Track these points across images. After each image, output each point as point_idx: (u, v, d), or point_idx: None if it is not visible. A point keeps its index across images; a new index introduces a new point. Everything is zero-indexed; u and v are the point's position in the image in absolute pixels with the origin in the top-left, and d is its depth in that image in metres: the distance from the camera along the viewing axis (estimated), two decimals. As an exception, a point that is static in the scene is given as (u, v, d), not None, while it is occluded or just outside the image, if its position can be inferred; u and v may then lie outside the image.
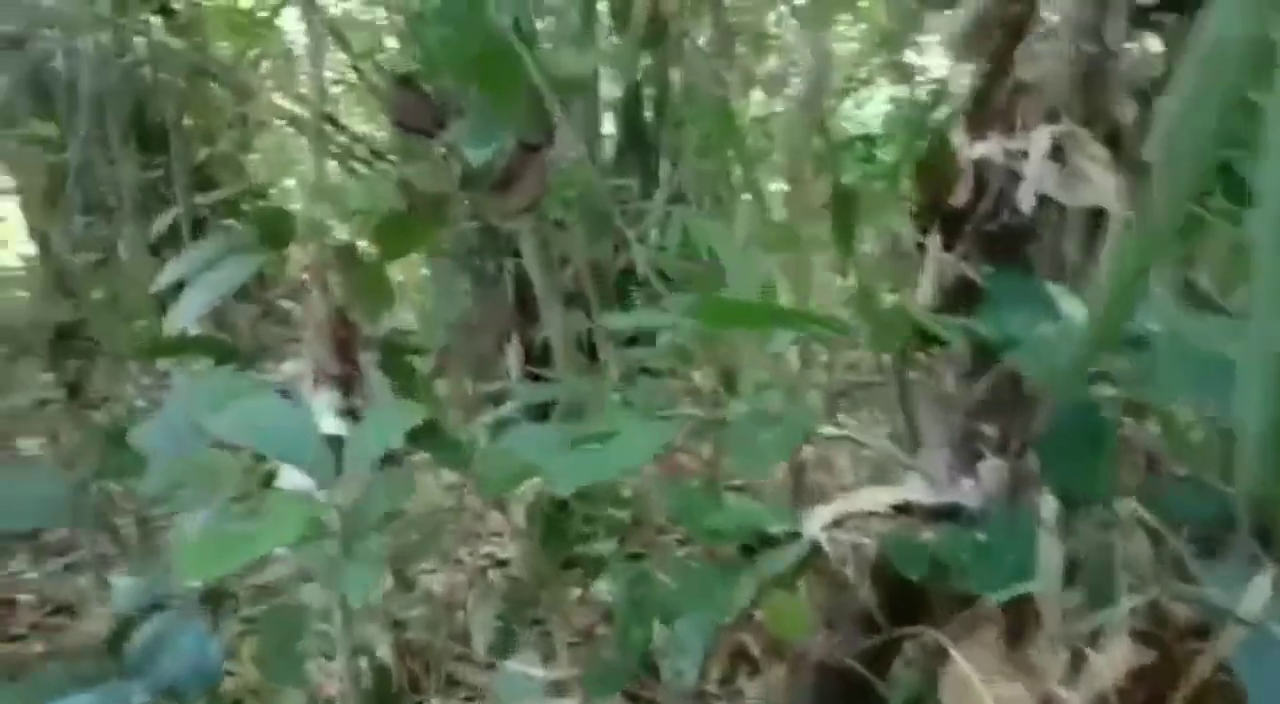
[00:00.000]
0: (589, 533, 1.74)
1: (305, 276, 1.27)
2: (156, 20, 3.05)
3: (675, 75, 2.97)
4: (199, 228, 4.33)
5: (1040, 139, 0.77)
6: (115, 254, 4.12)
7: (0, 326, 3.29)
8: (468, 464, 1.42)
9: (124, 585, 0.80)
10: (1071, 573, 0.74)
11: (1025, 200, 0.79)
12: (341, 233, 1.47)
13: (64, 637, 1.96)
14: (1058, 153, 0.78)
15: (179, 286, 1.25)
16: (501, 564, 2.05)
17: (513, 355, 3.06)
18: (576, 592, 1.81)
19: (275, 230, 1.25)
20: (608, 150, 3.13)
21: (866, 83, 4.28)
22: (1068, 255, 0.83)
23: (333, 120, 2.99)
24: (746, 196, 2.32)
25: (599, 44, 2.75)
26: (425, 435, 1.34)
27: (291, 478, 1.09)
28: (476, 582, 1.82)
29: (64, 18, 3.16)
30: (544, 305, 2.87)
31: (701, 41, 2.78)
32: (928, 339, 0.82)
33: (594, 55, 1.72)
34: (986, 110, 0.83)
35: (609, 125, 3.15)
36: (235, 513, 0.78)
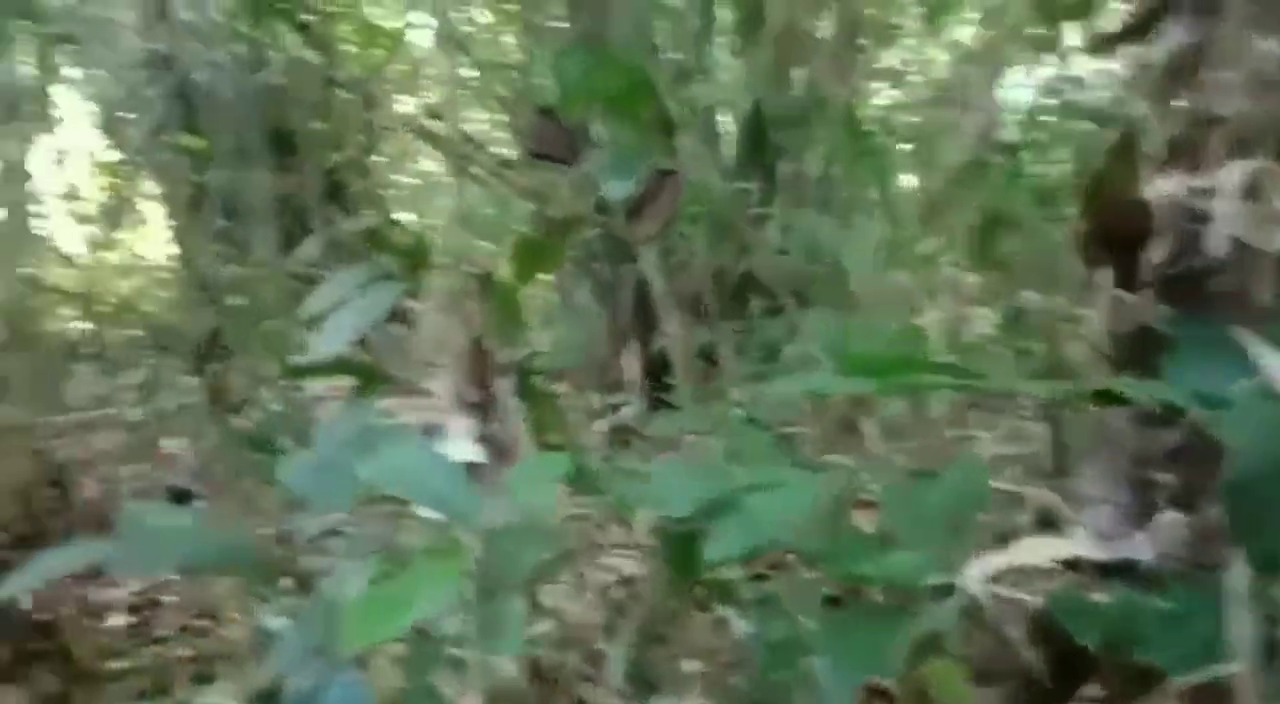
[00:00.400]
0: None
1: (443, 303, 1.27)
2: (291, 32, 3.13)
3: (796, 73, 2.91)
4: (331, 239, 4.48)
5: (1232, 176, 0.72)
6: (252, 257, 4.27)
7: (148, 331, 3.44)
8: (602, 491, 1.42)
9: (286, 640, 0.81)
10: (1270, 650, 0.67)
11: (1216, 243, 0.73)
12: (477, 255, 1.47)
13: (207, 641, 2.02)
14: (1251, 191, 0.72)
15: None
16: (627, 582, 2.03)
17: (631, 361, 3.06)
18: (705, 615, 1.78)
19: (415, 257, 1.26)
20: (726, 151, 3.09)
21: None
22: (1259, 301, 0.76)
23: (469, 138, 3.02)
24: (873, 199, 2.26)
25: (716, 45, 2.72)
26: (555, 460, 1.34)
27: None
28: (604, 603, 1.81)
29: (205, 33, 3.27)
30: (663, 311, 2.86)
31: (824, 37, 2.73)
32: (1110, 398, 0.76)
33: (724, 88, 1.68)
34: (1170, 142, 0.78)
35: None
36: (384, 568, 0.78)
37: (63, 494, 1.81)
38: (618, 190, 1.07)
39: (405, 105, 3.78)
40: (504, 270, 1.37)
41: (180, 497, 3.00)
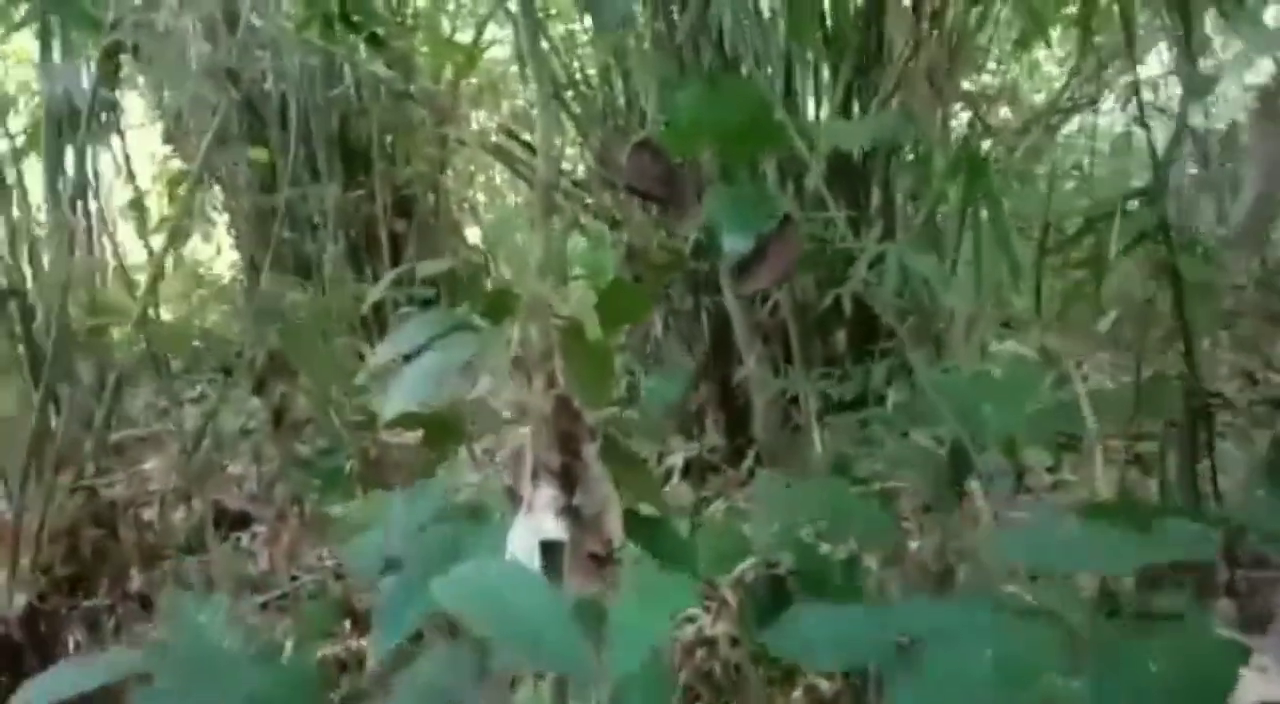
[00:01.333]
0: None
1: (525, 356, 1.14)
2: (363, 44, 3.04)
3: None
4: (395, 244, 4.40)
5: None
6: (318, 270, 4.21)
7: (210, 348, 3.37)
8: (692, 564, 1.28)
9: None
10: None
11: None
12: (562, 300, 1.33)
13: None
14: None
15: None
16: (708, 643, 1.89)
17: (707, 389, 2.91)
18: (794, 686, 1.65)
19: (497, 308, 1.13)
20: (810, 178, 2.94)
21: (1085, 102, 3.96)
22: None
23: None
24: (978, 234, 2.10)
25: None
26: (643, 531, 1.21)
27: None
28: (686, 665, 1.68)
29: (275, 43, 3.21)
30: (743, 347, 2.71)
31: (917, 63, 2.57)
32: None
33: (870, 124, 1.54)
34: None
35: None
36: None
37: (111, 534, 1.72)
38: (736, 244, 0.94)
39: (481, 121, 3.70)
40: (591, 319, 1.24)
41: (238, 521, 2.93)
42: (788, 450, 2.66)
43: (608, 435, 1.16)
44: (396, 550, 0.84)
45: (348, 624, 2.02)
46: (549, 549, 1.04)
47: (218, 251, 4.51)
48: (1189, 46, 1.39)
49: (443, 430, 1.30)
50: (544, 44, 3.00)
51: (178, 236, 3.14)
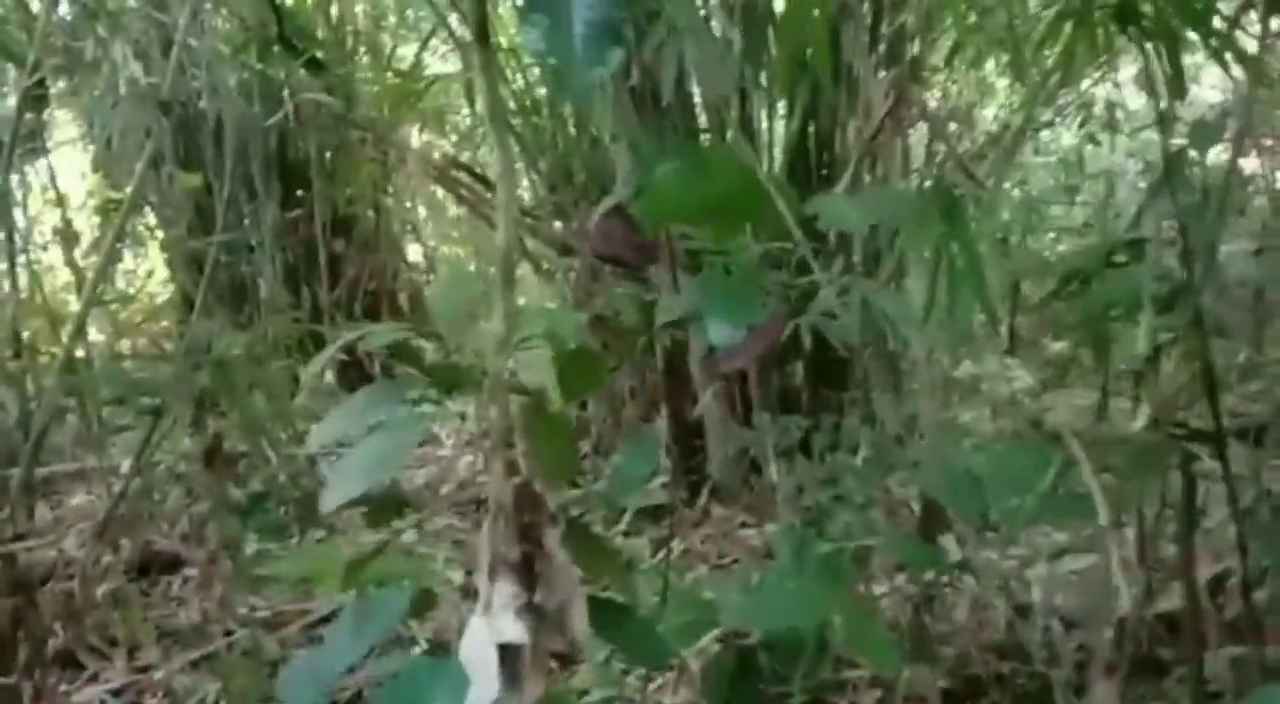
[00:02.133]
0: (780, 695, 1.50)
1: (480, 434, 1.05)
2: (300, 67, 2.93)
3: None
4: (334, 264, 4.27)
5: None
6: (255, 293, 4.07)
7: (141, 379, 3.21)
8: (661, 653, 1.21)
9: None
10: None
11: None
12: (520, 368, 1.25)
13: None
14: None
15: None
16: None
17: (660, 422, 2.83)
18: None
19: (448, 382, 1.05)
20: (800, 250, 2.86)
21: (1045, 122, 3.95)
22: None
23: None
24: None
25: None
26: (609, 621, 1.13)
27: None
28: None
29: (210, 65, 3.08)
30: (698, 380, 2.64)
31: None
32: None
33: (867, 201, 1.47)
34: None
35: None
36: None
37: (29, 601, 1.60)
38: (724, 336, 0.86)
39: (423, 141, 3.59)
40: (551, 391, 1.16)
41: (169, 565, 2.79)
42: (745, 489, 2.60)
43: (571, 520, 1.08)
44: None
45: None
46: (508, 652, 0.96)
47: (149, 274, 4.34)
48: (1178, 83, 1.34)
49: (384, 510, 1.21)
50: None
51: (108, 264, 2.99)
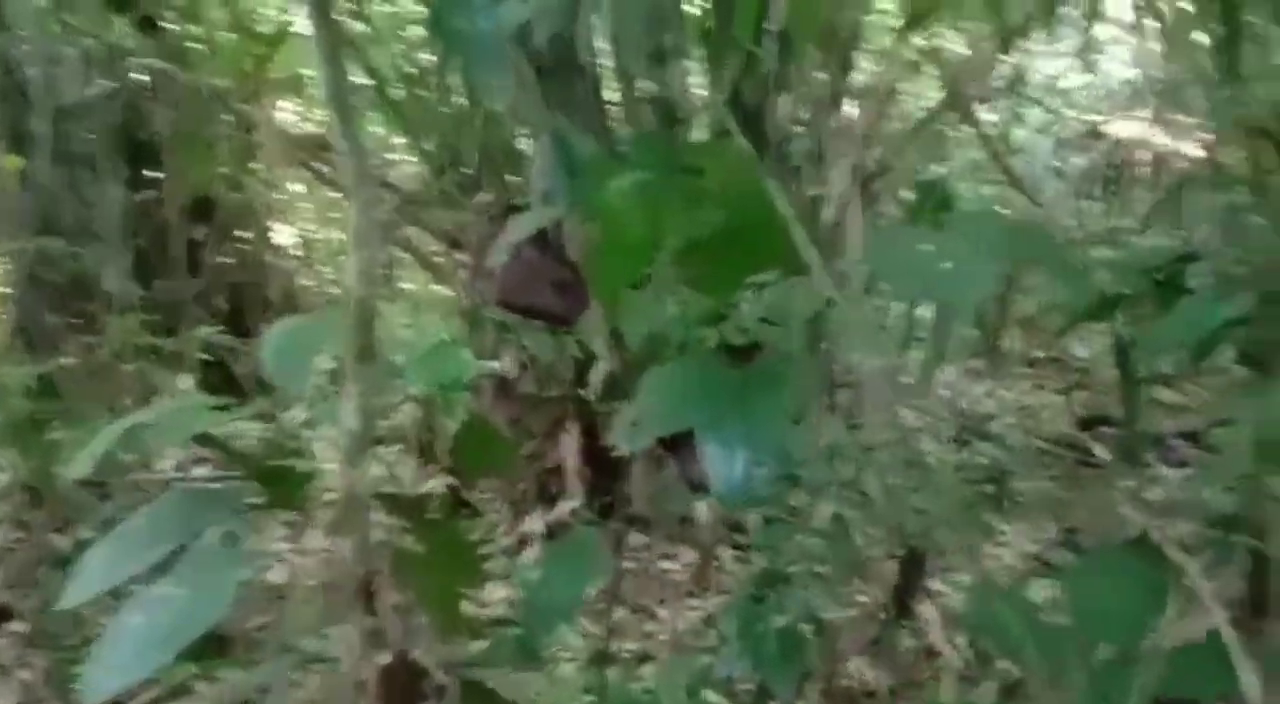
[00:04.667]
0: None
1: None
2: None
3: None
4: (193, 253, 3.80)
5: None
6: (98, 288, 3.58)
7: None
8: None
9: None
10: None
11: None
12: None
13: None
14: None
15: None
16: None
17: (568, 441, 2.49)
18: None
19: (288, 493, 0.71)
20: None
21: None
22: None
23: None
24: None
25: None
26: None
27: None
28: None
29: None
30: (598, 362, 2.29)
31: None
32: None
33: None
34: None
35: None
36: None
37: None
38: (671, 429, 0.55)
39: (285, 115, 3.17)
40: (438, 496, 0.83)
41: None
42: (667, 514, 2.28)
43: (468, 682, 0.75)
44: None
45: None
46: None
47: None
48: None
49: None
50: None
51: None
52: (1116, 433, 2.61)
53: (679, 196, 0.58)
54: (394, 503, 0.69)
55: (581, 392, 2.28)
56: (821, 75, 2.14)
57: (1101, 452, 2.49)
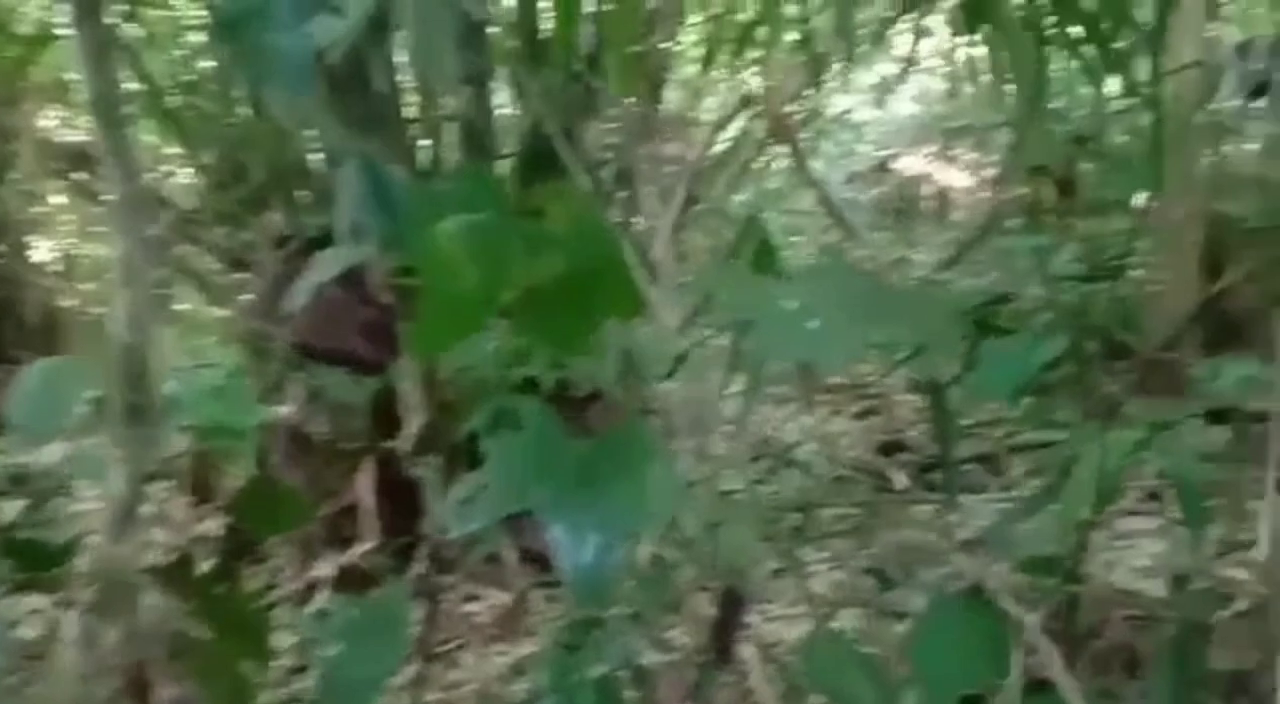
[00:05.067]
0: None
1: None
2: None
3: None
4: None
5: None
6: None
7: None
8: None
9: None
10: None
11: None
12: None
13: None
14: None
15: None
16: None
17: (364, 479, 2.32)
18: None
19: (42, 567, 0.61)
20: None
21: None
22: None
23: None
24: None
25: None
26: None
27: None
28: None
29: None
30: (412, 416, 2.15)
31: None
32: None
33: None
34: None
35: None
36: None
37: None
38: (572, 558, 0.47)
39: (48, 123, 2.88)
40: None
41: None
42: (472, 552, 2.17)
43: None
44: None
45: None
46: None
47: None
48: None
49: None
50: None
51: None
52: (915, 459, 2.69)
53: (518, 241, 0.51)
54: (167, 577, 0.58)
55: (387, 443, 2.12)
56: (631, 100, 2.11)
57: (900, 478, 2.55)
